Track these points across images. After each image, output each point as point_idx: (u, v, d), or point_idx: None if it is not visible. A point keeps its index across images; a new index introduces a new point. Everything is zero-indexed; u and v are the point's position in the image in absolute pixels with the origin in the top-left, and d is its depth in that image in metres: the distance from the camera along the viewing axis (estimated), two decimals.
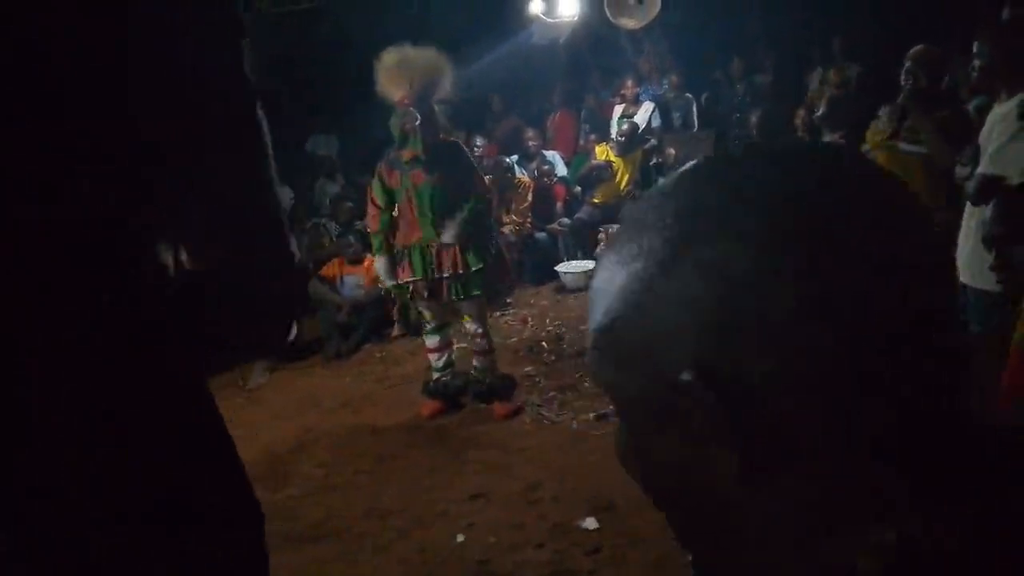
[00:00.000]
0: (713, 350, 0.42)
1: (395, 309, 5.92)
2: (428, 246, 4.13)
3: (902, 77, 3.86)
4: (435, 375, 4.48)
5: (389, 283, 4.38)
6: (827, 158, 0.46)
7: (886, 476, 0.41)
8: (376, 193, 4.24)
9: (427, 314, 4.37)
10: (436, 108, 4.08)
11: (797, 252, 0.41)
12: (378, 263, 4.41)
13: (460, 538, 3.21)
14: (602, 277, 0.49)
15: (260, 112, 0.83)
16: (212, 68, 0.79)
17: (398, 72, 3.95)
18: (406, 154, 4.06)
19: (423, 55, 3.99)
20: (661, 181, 0.50)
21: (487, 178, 6.85)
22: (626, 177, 7.31)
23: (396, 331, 6.07)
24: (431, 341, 4.44)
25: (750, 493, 0.44)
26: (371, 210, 4.32)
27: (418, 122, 3.95)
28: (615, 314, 0.47)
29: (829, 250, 0.41)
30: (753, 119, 6.72)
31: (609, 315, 0.47)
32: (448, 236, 4.07)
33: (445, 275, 4.13)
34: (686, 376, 0.43)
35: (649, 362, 0.45)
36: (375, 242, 4.37)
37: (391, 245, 4.27)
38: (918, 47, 3.90)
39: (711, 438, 0.43)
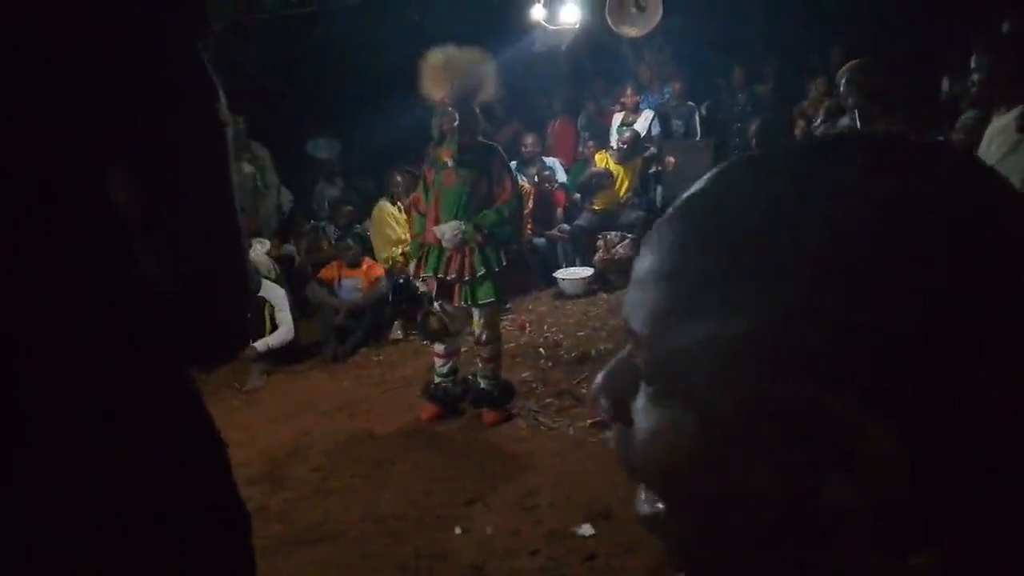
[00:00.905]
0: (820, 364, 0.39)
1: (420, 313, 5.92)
2: (442, 249, 4.16)
3: (841, 90, 3.91)
4: (437, 379, 4.48)
5: (421, 284, 4.46)
6: (923, 148, 0.44)
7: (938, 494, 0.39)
8: (421, 196, 4.28)
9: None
10: (477, 110, 4.11)
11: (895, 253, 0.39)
12: (412, 266, 4.45)
13: (456, 543, 3.21)
14: (642, 286, 0.46)
15: (224, 114, 0.83)
16: (192, 68, 0.79)
17: (441, 72, 3.99)
18: (442, 153, 4.09)
19: (466, 56, 4.03)
20: (717, 170, 0.47)
21: None
22: (625, 185, 7.32)
23: (398, 334, 6.07)
24: (439, 346, 4.45)
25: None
26: (414, 213, 4.41)
27: (456, 123, 3.98)
28: (669, 335, 0.44)
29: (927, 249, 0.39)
30: (752, 128, 6.73)
31: (663, 332, 0.45)
32: (438, 235, 4.10)
33: (451, 277, 4.13)
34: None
35: (741, 382, 0.42)
36: (412, 246, 4.45)
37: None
38: (852, 62, 3.94)
39: (836, 466, 0.40)
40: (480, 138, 4.18)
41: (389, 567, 3.11)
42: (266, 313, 5.75)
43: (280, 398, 5.18)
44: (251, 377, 5.46)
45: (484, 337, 4.33)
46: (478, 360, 4.44)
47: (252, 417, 4.81)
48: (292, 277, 6.53)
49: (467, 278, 4.11)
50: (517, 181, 4.61)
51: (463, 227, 4.06)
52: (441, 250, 4.14)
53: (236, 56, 7.52)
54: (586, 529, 3.15)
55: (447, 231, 4.06)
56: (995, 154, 2.91)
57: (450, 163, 4.07)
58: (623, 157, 7.25)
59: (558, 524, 3.23)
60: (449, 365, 4.46)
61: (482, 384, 4.41)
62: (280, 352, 5.74)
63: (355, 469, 3.99)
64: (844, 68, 3.89)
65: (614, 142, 7.51)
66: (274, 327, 5.71)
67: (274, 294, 5.80)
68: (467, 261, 4.10)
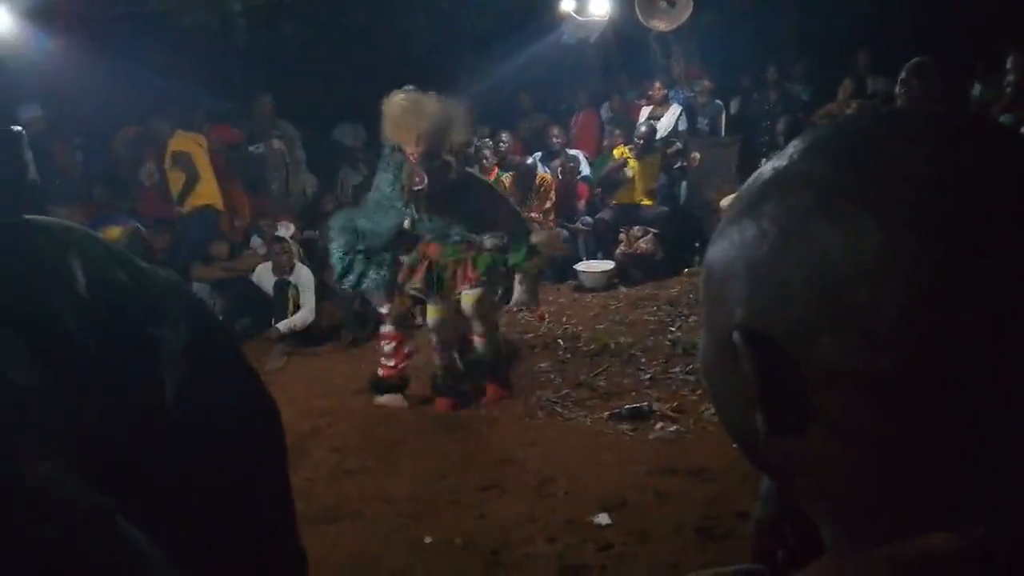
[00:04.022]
0: (790, 322, 0.43)
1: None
2: (444, 267, 4.22)
3: (897, 88, 3.94)
4: (439, 373, 4.51)
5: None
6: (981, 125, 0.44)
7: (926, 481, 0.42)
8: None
9: (432, 309, 4.38)
10: (447, 158, 4.02)
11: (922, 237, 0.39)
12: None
13: (471, 527, 3.22)
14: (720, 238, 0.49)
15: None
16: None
17: (405, 123, 3.86)
18: (420, 210, 4.09)
19: (431, 107, 3.87)
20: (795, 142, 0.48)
21: (508, 176, 6.89)
22: (642, 179, 7.26)
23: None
24: (434, 340, 4.46)
25: (779, 447, 0.45)
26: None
27: (425, 183, 3.90)
28: (711, 255, 0.49)
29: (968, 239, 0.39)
30: (779, 127, 6.70)
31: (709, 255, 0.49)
32: (489, 244, 4.17)
33: (457, 294, 4.26)
34: (737, 335, 0.44)
35: (722, 306, 0.47)
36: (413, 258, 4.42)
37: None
38: (915, 59, 3.96)
39: (751, 392, 0.45)
40: (453, 170, 4.08)
41: (404, 548, 3.12)
42: (290, 295, 5.79)
43: (299, 380, 5.20)
44: (271, 358, 5.50)
45: (472, 311, 4.34)
46: (474, 339, 4.44)
47: None
48: (314, 260, 6.56)
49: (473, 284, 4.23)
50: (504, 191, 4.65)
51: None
52: (439, 270, 4.21)
53: (269, 36, 7.55)
54: (603, 518, 3.16)
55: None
56: None
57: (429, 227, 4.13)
58: (640, 152, 7.20)
59: (574, 513, 3.24)
60: (444, 358, 4.47)
61: (485, 357, 4.44)
62: (300, 334, 5.77)
63: (372, 451, 4.01)
64: (905, 67, 3.92)
65: (636, 136, 7.47)
66: (297, 309, 5.76)
67: (302, 276, 5.83)
68: (471, 271, 4.19)
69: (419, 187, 3.90)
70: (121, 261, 0.58)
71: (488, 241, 4.12)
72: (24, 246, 0.54)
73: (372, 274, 4.26)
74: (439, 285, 4.22)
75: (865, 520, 0.44)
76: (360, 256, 4.24)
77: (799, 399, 0.43)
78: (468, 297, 4.29)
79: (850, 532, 0.46)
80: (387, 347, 4.53)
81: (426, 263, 4.25)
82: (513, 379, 4.61)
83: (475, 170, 4.48)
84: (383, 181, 4.17)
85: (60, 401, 0.48)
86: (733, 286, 0.46)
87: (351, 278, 4.29)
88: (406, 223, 4.16)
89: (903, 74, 3.86)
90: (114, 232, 5.89)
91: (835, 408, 0.42)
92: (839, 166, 0.43)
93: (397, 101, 3.86)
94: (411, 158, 3.88)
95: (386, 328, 4.52)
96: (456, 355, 4.54)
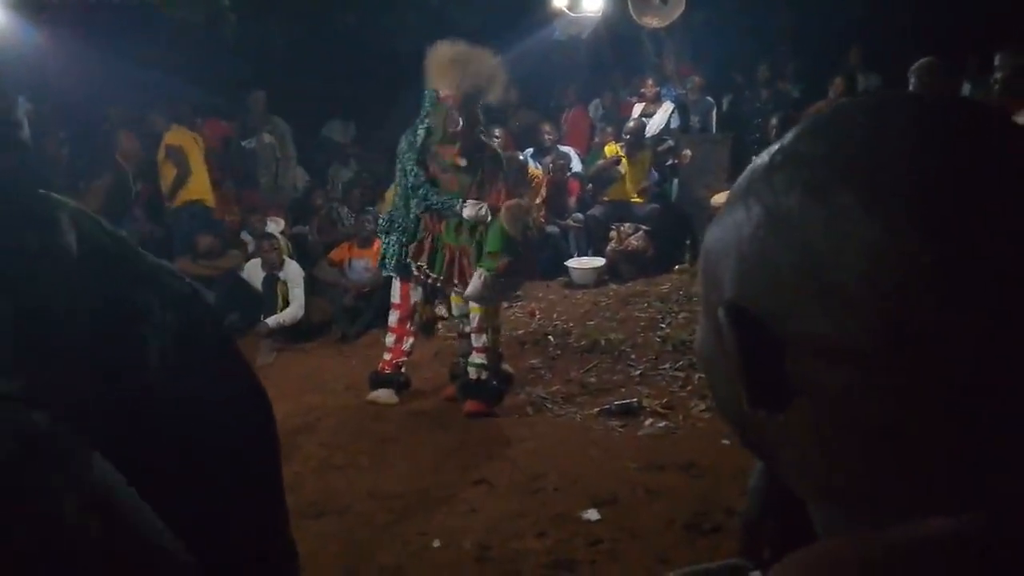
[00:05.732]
0: (771, 301, 0.43)
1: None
2: (445, 247, 4.18)
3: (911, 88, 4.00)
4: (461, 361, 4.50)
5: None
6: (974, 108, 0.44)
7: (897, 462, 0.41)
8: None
9: (455, 297, 4.40)
10: (480, 114, 4.12)
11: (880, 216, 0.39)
12: (410, 249, 4.32)
13: (461, 523, 3.21)
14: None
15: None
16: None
17: (450, 67, 3.97)
18: (445, 153, 4.10)
19: (477, 57, 4.00)
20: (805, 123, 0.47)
21: None
22: (633, 176, 7.25)
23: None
24: (460, 327, 4.50)
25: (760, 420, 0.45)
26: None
27: (459, 127, 3.99)
28: (708, 235, 0.49)
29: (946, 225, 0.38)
30: (772, 122, 6.71)
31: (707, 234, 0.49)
32: (467, 212, 4.10)
33: (453, 286, 4.23)
34: (721, 312, 0.44)
35: (715, 285, 0.47)
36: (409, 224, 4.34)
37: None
38: (922, 60, 3.99)
39: (733, 367, 0.45)
40: (478, 129, 4.17)
41: (393, 543, 3.11)
42: (279, 290, 5.77)
43: (289, 375, 5.19)
44: (261, 353, 5.48)
45: (474, 322, 4.29)
46: (473, 351, 4.36)
47: None
48: (303, 256, 6.55)
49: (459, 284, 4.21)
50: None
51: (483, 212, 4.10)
52: (441, 248, 4.18)
53: (259, 31, 7.52)
54: (592, 514, 3.15)
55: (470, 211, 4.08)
56: None
57: (460, 163, 4.10)
58: (630, 149, 7.19)
59: (564, 508, 3.24)
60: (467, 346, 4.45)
61: (479, 374, 4.32)
62: (290, 330, 5.75)
63: (361, 446, 4.00)
64: (913, 68, 3.98)
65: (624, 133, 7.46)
66: (286, 304, 5.74)
67: (291, 271, 5.81)
68: (468, 269, 4.16)
69: (454, 128, 4.01)
70: (113, 238, 0.58)
71: (467, 210, 4.08)
72: (22, 204, 0.54)
73: (393, 251, 4.29)
74: (436, 266, 4.19)
75: (860, 503, 0.44)
76: (395, 235, 4.29)
77: (783, 377, 0.43)
78: (476, 309, 4.25)
79: (845, 514, 0.45)
80: (388, 340, 4.54)
81: (430, 237, 4.21)
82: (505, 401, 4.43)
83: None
84: (404, 141, 4.22)
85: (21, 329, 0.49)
86: (724, 266, 0.46)
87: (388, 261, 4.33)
88: (410, 181, 4.14)
89: (913, 75, 3.93)
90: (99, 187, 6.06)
91: (825, 390, 0.42)
92: (834, 151, 0.42)
93: (444, 49, 4.00)
94: (449, 99, 4.01)
95: (392, 320, 4.50)
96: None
